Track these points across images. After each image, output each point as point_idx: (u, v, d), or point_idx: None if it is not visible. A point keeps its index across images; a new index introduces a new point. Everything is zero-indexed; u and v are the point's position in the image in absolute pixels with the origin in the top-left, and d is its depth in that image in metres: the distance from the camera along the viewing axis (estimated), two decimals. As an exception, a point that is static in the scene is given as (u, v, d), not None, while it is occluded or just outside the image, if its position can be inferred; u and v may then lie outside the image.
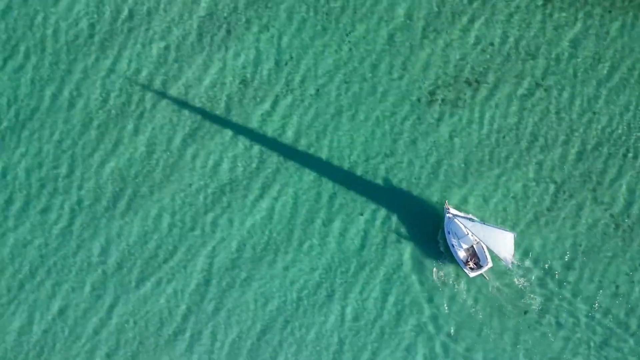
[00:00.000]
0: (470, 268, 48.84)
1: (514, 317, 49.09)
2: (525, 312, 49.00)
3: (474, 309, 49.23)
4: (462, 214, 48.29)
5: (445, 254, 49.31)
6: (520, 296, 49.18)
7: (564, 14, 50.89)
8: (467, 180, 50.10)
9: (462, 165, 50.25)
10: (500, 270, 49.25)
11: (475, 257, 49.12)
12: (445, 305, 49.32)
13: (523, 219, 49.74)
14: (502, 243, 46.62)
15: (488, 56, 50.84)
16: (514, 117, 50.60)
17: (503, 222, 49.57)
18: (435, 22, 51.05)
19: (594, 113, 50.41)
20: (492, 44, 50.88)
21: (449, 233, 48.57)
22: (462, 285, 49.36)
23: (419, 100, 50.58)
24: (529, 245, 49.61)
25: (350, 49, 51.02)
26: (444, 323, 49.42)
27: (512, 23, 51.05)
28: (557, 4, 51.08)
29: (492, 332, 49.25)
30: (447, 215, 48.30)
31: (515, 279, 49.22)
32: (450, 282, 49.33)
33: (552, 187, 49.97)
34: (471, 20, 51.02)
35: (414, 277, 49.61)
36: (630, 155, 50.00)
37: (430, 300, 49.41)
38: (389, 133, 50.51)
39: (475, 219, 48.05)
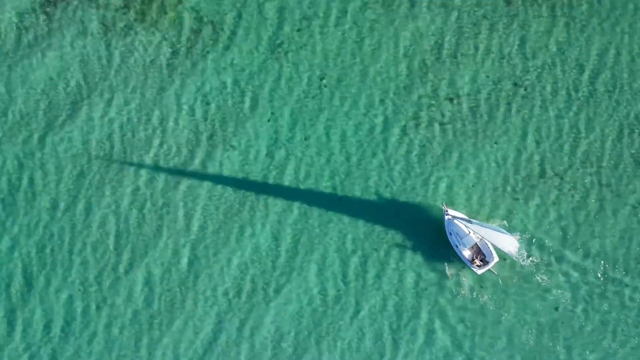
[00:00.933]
0: (477, 265, 48.19)
1: (545, 313, 48.05)
2: (556, 309, 48.05)
3: (502, 310, 48.35)
4: (460, 214, 48.02)
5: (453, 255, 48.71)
6: (545, 289, 48.35)
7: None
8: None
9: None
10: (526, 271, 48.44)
11: (480, 254, 48.53)
12: (470, 306, 48.51)
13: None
14: (503, 238, 46.76)
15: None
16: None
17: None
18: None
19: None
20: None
21: (450, 234, 48.24)
22: (487, 288, 48.53)
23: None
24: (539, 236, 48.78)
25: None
26: (471, 326, 48.40)
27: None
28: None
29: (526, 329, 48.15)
30: (447, 217, 47.98)
31: (538, 277, 48.36)
32: (466, 283, 48.58)
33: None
34: None
35: (432, 288, 48.86)
36: None
37: (456, 304, 48.63)
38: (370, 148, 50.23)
39: (474, 220, 47.59)
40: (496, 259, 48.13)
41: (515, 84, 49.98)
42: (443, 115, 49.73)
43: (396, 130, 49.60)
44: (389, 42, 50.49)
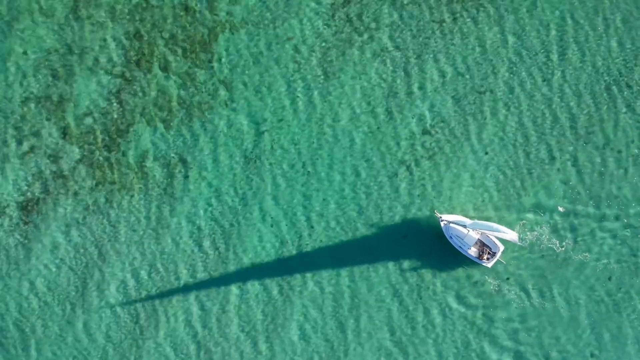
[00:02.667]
0: (487, 259, 49.33)
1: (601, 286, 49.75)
2: (609, 278, 49.64)
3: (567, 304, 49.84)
4: (454, 217, 48.85)
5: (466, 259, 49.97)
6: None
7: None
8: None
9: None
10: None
11: (486, 247, 49.56)
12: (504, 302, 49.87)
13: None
14: (501, 228, 47.43)
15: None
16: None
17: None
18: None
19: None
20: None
21: (451, 238, 49.10)
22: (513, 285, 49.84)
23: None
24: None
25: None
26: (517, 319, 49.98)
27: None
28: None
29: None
30: (442, 223, 48.88)
31: (578, 256, 49.89)
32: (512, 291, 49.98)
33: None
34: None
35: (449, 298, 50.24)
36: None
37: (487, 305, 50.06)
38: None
39: (467, 220, 48.52)
40: (502, 247, 49.15)
41: (479, 92, 50.95)
42: (427, 149, 50.66)
43: (386, 180, 50.42)
44: (346, 104, 50.79)
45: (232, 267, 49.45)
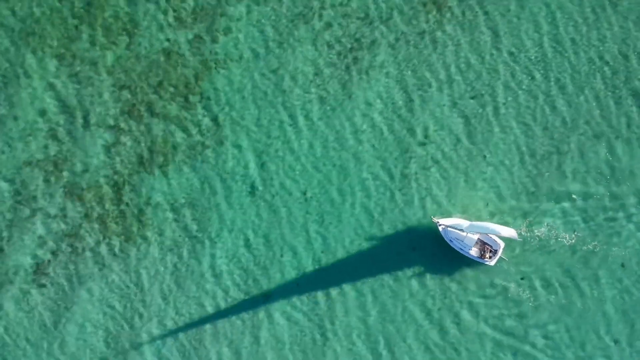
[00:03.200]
0: (489, 257, 49.78)
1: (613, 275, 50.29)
2: (622, 265, 50.16)
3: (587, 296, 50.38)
4: (451, 220, 49.25)
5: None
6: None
7: None
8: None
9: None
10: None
11: (487, 246, 50.01)
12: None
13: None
14: (498, 227, 47.96)
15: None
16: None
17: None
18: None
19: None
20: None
21: (451, 241, 49.51)
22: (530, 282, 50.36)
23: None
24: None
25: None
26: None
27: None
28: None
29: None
30: (440, 227, 49.31)
31: (588, 246, 50.46)
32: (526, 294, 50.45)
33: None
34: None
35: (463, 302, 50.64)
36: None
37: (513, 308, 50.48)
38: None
39: (463, 222, 48.87)
40: (502, 244, 49.58)
41: (472, 98, 51.23)
42: (432, 158, 51.08)
43: (399, 195, 50.85)
44: (348, 124, 51.13)
45: (256, 302, 49.80)
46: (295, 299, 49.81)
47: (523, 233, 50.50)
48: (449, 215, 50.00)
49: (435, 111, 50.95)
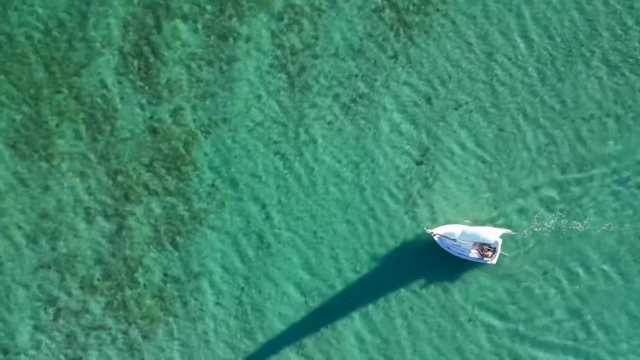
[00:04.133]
0: (490, 256, 50.14)
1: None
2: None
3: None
4: (444, 228, 49.47)
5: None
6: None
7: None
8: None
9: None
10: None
11: (485, 245, 50.36)
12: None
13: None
14: (489, 229, 48.74)
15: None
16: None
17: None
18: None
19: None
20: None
21: (448, 248, 49.86)
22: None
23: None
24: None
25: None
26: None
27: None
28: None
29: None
30: (435, 237, 49.68)
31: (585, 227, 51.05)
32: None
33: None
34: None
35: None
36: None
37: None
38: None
39: (455, 229, 49.07)
40: (500, 240, 49.83)
41: (456, 108, 51.53)
42: (432, 174, 51.58)
43: (405, 216, 51.37)
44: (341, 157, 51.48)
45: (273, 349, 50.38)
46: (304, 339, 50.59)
47: (535, 229, 50.87)
48: (439, 223, 50.54)
49: (425, 127, 51.29)
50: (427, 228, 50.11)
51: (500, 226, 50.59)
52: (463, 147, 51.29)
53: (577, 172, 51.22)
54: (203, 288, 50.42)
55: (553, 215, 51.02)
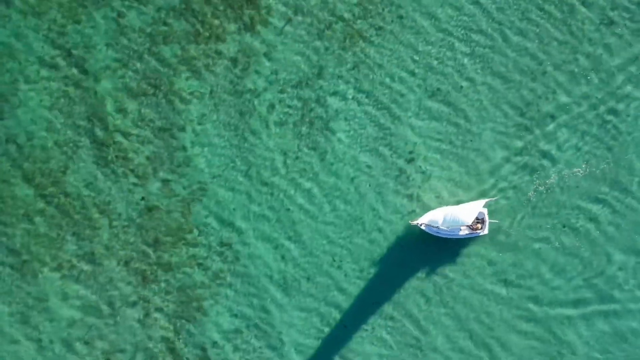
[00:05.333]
0: (480, 228, 50.62)
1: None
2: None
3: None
4: (427, 217, 49.71)
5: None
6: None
7: None
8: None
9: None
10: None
11: (474, 220, 50.79)
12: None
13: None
14: (471, 206, 49.18)
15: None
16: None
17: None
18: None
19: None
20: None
21: (438, 233, 50.17)
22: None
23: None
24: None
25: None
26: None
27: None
28: None
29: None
30: (422, 227, 49.92)
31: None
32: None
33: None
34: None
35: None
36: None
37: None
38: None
39: (438, 216, 49.37)
40: (485, 210, 50.56)
41: (430, 96, 51.85)
42: (425, 168, 52.07)
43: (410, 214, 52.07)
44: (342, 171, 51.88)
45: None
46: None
47: (540, 188, 51.50)
48: (421, 212, 51.24)
49: (405, 126, 51.73)
50: (411, 221, 50.63)
51: (502, 192, 51.33)
52: (443, 126, 51.92)
53: (564, 114, 52.08)
54: (249, 342, 51.29)
55: (553, 169, 51.65)
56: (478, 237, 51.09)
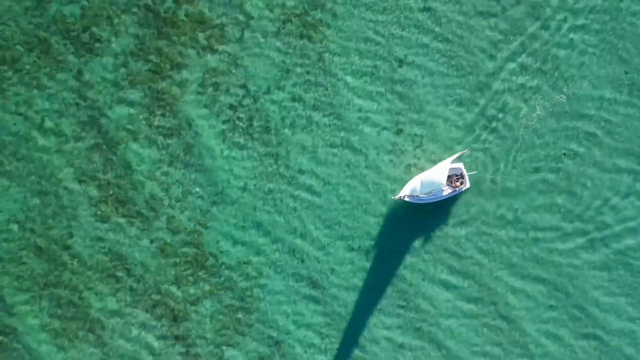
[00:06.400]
0: (461, 183, 50.42)
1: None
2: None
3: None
4: (408, 187, 49.40)
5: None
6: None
7: None
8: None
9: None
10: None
11: (453, 178, 50.63)
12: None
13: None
14: (443, 165, 48.90)
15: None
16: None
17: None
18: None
19: None
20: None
21: (422, 200, 49.85)
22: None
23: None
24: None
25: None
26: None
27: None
28: None
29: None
30: (407, 199, 49.48)
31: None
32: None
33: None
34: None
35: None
36: None
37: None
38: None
39: (415, 182, 49.22)
40: (461, 164, 50.49)
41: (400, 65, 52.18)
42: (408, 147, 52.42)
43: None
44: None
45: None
46: None
47: (528, 124, 51.76)
48: (400, 184, 51.29)
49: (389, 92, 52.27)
50: (393, 196, 50.68)
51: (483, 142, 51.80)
52: (429, 75, 52.45)
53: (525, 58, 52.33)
54: (290, 350, 51.68)
55: (535, 102, 51.93)
56: (461, 193, 50.98)
